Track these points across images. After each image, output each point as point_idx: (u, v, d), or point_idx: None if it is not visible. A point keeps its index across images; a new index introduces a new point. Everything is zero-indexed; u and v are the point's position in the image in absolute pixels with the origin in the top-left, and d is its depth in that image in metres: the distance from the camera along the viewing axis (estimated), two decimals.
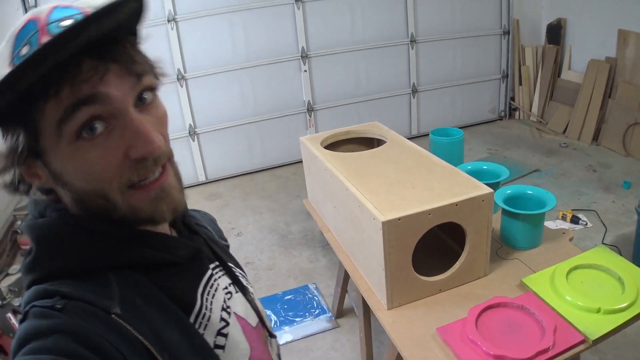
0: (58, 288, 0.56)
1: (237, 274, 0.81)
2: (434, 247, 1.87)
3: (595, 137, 4.85)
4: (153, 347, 0.56)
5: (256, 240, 3.63)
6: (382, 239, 1.49)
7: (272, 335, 0.85)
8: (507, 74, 5.49)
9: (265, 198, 4.29)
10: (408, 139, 2.10)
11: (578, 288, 1.61)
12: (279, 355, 0.88)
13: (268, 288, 3.09)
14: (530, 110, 5.51)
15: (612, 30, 4.66)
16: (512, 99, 5.66)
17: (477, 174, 2.14)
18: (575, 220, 3.53)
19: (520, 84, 5.49)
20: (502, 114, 5.67)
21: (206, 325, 0.67)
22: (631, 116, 4.43)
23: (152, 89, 0.62)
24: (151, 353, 0.56)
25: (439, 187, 1.63)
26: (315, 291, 2.98)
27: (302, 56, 4.55)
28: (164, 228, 0.70)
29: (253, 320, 0.78)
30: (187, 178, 4.65)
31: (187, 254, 0.69)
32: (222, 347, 0.68)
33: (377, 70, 4.89)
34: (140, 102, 0.60)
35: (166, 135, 0.64)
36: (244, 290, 0.80)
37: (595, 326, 1.45)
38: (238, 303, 0.77)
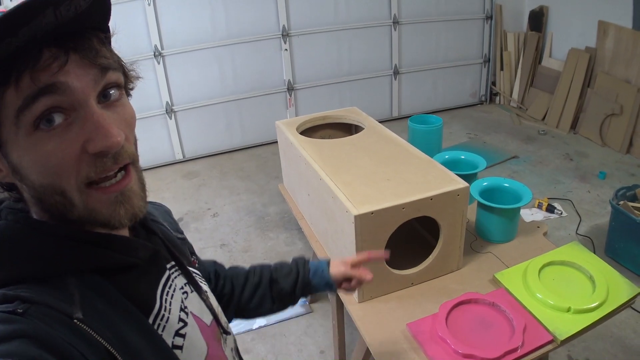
0: (18, 293, 0.54)
1: (192, 273, 0.81)
2: (409, 238, 1.86)
3: (574, 126, 4.88)
4: (117, 352, 0.55)
5: (232, 221, 3.59)
6: (354, 233, 1.46)
7: (227, 332, 0.84)
8: (489, 59, 5.47)
9: (243, 178, 4.25)
10: (388, 121, 2.08)
11: (549, 285, 1.61)
12: (235, 350, 0.88)
13: None
14: (511, 96, 5.52)
15: (593, 21, 4.66)
16: (494, 83, 5.66)
17: (454, 164, 2.14)
18: (550, 209, 3.55)
19: (502, 69, 5.48)
20: (483, 98, 5.67)
21: (164, 326, 0.66)
22: (608, 107, 4.45)
23: (119, 86, 0.60)
24: (115, 357, 0.55)
25: (414, 179, 1.61)
26: None
27: (282, 35, 4.47)
28: (123, 230, 0.68)
29: (207, 318, 0.78)
30: (163, 156, 4.58)
31: (146, 256, 0.69)
32: (180, 348, 0.68)
33: (359, 51, 4.83)
34: (105, 99, 0.58)
35: (131, 138, 0.62)
36: (198, 289, 0.80)
37: (564, 326, 1.45)
38: (194, 302, 0.77)
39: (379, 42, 4.88)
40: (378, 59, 4.96)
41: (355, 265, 1.16)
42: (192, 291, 0.78)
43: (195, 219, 3.74)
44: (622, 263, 2.93)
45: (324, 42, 4.66)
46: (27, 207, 0.63)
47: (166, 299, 0.69)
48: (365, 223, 1.46)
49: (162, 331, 0.66)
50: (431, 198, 1.52)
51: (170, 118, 4.48)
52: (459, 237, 1.64)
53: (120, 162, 0.59)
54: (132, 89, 0.68)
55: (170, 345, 0.66)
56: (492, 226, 1.85)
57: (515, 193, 1.90)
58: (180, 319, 0.70)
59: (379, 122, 2.11)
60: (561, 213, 3.54)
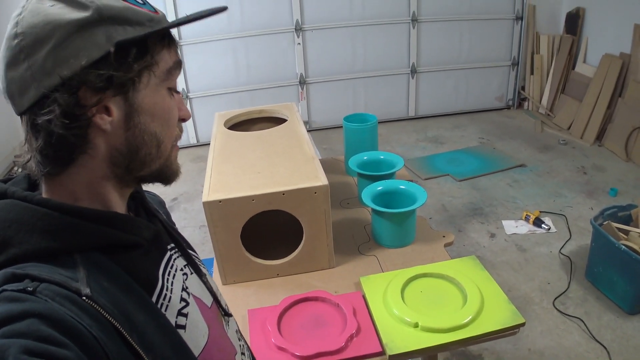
0: (26, 271, 0.55)
1: (192, 255, 0.84)
2: (297, 232, 1.89)
3: (599, 137, 4.62)
4: (123, 329, 0.56)
5: None
6: (206, 217, 1.53)
7: (228, 315, 0.87)
8: (518, 62, 5.27)
9: None
10: (404, 120, 2.09)
11: (411, 297, 1.54)
12: (238, 332, 0.91)
13: (210, 251, 3.13)
14: (540, 102, 5.29)
15: (629, 25, 4.37)
16: (523, 88, 5.44)
17: (373, 164, 2.14)
18: (538, 223, 3.39)
19: (532, 73, 5.27)
20: (510, 103, 5.47)
21: (167, 305, 0.68)
22: (637, 119, 4.18)
23: None
24: (122, 334, 0.56)
25: (281, 174, 1.64)
26: None
27: (296, 29, 4.53)
28: (123, 210, 0.72)
29: (207, 300, 0.81)
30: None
31: (149, 235, 0.71)
32: (183, 327, 0.69)
33: (375, 48, 4.81)
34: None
35: None
36: (198, 271, 0.82)
37: (402, 341, 1.38)
38: (194, 284, 0.79)
39: (396, 40, 4.84)
40: (394, 57, 4.92)
41: None
42: (191, 273, 0.80)
43: (187, 200, 3.90)
44: (600, 289, 2.77)
45: (338, 37, 4.68)
46: (45, 180, 0.65)
47: (168, 279, 0.71)
48: (214, 210, 1.52)
49: (165, 310, 0.67)
50: (283, 193, 1.55)
51: (187, 104, 4.66)
52: (324, 235, 1.66)
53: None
54: None
55: (173, 324, 0.67)
56: (382, 230, 1.84)
57: (411, 196, 1.88)
58: (182, 299, 0.72)
59: (394, 121, 2.12)
60: (549, 228, 3.37)
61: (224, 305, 0.86)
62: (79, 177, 0.64)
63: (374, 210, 1.83)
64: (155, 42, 0.64)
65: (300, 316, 1.51)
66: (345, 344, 1.38)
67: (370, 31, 4.72)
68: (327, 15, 4.57)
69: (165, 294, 0.69)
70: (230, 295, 1.62)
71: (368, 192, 1.87)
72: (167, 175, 0.71)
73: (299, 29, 4.53)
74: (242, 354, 0.86)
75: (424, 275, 1.64)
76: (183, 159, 4.59)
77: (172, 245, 0.80)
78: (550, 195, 3.80)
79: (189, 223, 3.54)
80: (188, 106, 4.67)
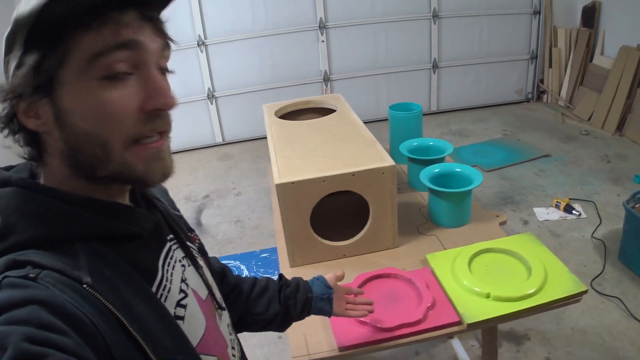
0: (28, 258, 0.55)
1: (189, 247, 0.83)
2: (360, 214, 1.94)
3: (620, 127, 4.66)
4: (124, 318, 0.56)
5: (252, 201, 3.78)
6: (278, 200, 1.59)
7: (222, 308, 0.86)
8: (537, 55, 5.33)
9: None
10: (426, 115, 2.14)
11: (478, 271, 1.61)
12: (230, 326, 0.90)
13: (248, 245, 3.25)
14: (559, 95, 5.34)
15: None
16: (541, 81, 5.49)
17: (423, 150, 2.19)
18: (568, 209, 3.45)
19: (551, 66, 5.32)
20: (530, 96, 5.52)
21: (167, 296, 0.68)
22: None
23: (166, 70, 0.67)
24: (122, 324, 0.56)
25: (347, 157, 1.70)
26: None
27: (319, 27, 4.60)
28: (126, 200, 0.71)
29: (203, 293, 0.80)
30: (204, 139, 4.85)
31: (149, 226, 0.70)
32: (182, 318, 0.69)
33: (397, 44, 4.87)
34: (161, 72, 0.64)
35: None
36: (195, 263, 0.81)
37: (476, 310, 1.44)
38: (191, 276, 0.78)
39: (418, 36, 4.90)
40: (416, 52, 4.98)
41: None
42: (189, 265, 0.79)
43: (219, 196, 3.97)
44: (635, 270, 2.81)
45: (361, 34, 4.75)
46: (39, 169, 0.65)
47: (167, 270, 0.71)
48: (286, 192, 1.57)
49: (165, 301, 0.67)
50: (353, 174, 1.60)
51: (212, 103, 4.74)
52: (389, 214, 1.71)
53: (167, 125, 0.65)
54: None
55: (172, 315, 0.67)
56: (440, 210, 1.90)
57: (467, 178, 1.93)
58: (181, 290, 0.72)
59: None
60: (580, 214, 3.43)
61: (218, 299, 0.85)
62: (58, 171, 0.64)
63: (432, 191, 1.89)
64: (63, 25, 0.56)
65: (374, 292, 1.56)
66: (424, 316, 1.44)
67: (392, 28, 4.78)
68: (350, 13, 4.64)
69: (165, 285, 0.68)
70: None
71: (426, 174, 1.93)
72: (131, 180, 0.64)
73: (322, 26, 4.60)
74: (232, 347, 0.86)
75: (487, 250, 1.70)
76: (209, 158, 4.66)
77: (171, 236, 0.79)
78: (577, 183, 3.85)
79: (224, 219, 3.61)
80: (213, 106, 4.73)
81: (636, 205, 2.80)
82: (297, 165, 1.66)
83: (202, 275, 0.81)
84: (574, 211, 3.44)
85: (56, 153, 0.62)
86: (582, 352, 2.33)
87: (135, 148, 0.61)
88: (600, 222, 3.33)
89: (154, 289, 0.66)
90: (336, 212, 1.83)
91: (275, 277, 1.19)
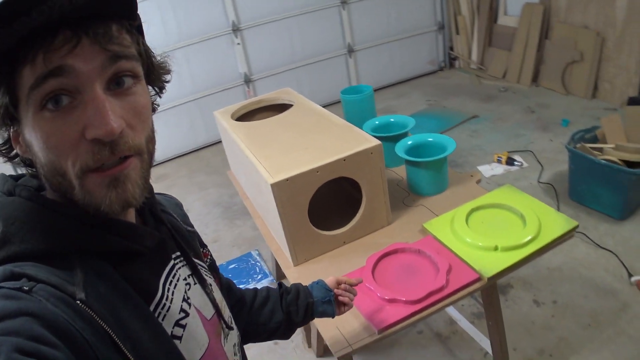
0: (24, 270, 0.55)
1: (198, 265, 0.81)
2: (342, 202, 1.94)
3: (535, 79, 4.95)
4: (116, 336, 0.56)
5: (202, 215, 3.67)
6: (274, 200, 1.54)
7: (230, 328, 0.84)
8: (443, 25, 5.54)
9: (210, 173, 4.33)
10: None
11: (477, 228, 1.67)
12: (239, 345, 0.89)
13: None
14: (470, 58, 5.58)
15: None
16: (451, 48, 5.72)
17: (385, 127, 2.22)
18: (510, 162, 3.63)
19: (458, 33, 5.55)
20: (442, 64, 5.74)
21: (165, 315, 0.67)
22: (568, 55, 4.51)
23: (135, 76, 0.61)
24: (114, 341, 0.56)
25: (330, 145, 1.69)
26: (257, 257, 3.05)
27: (233, 30, 4.53)
28: (131, 216, 0.70)
29: (208, 312, 0.78)
30: None
31: (152, 244, 0.69)
32: (179, 338, 0.68)
33: (311, 35, 4.89)
34: (118, 86, 0.59)
35: (139, 128, 0.61)
36: (202, 281, 0.80)
37: (491, 264, 1.51)
38: (196, 294, 0.77)
39: (330, 24, 4.95)
40: (331, 40, 5.03)
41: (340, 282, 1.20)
42: (195, 283, 0.78)
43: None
44: (587, 205, 3.00)
45: (275, 31, 4.72)
46: (43, 184, 0.65)
47: (169, 288, 0.70)
48: (282, 190, 1.53)
49: (163, 320, 0.66)
50: (344, 159, 1.59)
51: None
52: (382, 193, 1.72)
53: (118, 154, 0.58)
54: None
55: (169, 334, 0.66)
56: (420, 180, 1.93)
57: (440, 146, 1.98)
58: (182, 309, 0.70)
59: (339, 103, 2.14)
60: (522, 164, 3.62)
61: (226, 318, 0.84)
62: (50, 191, 0.64)
63: (410, 163, 1.92)
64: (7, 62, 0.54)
65: (390, 269, 1.57)
66: (447, 281, 1.46)
67: (303, 20, 4.79)
68: (261, 11, 4.59)
69: (165, 304, 0.68)
70: (307, 273, 1.65)
71: (401, 148, 1.96)
72: (92, 209, 0.60)
73: (236, 29, 4.53)
74: None
75: (478, 208, 1.77)
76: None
77: (178, 253, 0.77)
78: (510, 137, 4.05)
79: None
80: None
81: (577, 145, 2.98)
82: (284, 162, 1.63)
83: (208, 294, 0.80)
84: (515, 162, 3.62)
85: (42, 177, 0.62)
86: (563, 288, 2.47)
87: (91, 175, 0.58)
88: (543, 168, 3.54)
89: (152, 307, 0.65)
90: (324, 205, 1.81)
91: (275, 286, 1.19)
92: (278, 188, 1.53)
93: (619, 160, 2.80)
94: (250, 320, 1.08)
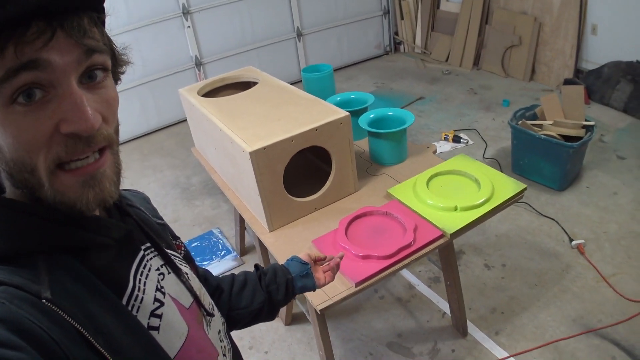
0: None
1: (171, 255, 0.79)
2: (310, 173, 2.04)
3: (476, 62, 5.20)
4: (87, 332, 0.54)
5: (159, 197, 3.68)
6: (252, 168, 1.63)
7: (210, 315, 0.83)
8: (388, 10, 5.70)
9: (164, 156, 4.32)
10: (299, 82, 2.21)
11: (438, 192, 1.83)
12: (224, 332, 0.88)
13: None
14: (415, 43, 5.77)
15: None
16: (396, 33, 5.90)
17: (346, 103, 2.33)
18: (456, 139, 3.83)
19: (402, 18, 5.72)
20: (388, 48, 5.91)
21: (139, 307, 0.66)
22: (508, 39, 4.77)
23: (105, 69, 0.60)
24: (85, 338, 0.54)
25: (301, 117, 1.78)
26: (219, 235, 3.11)
27: (183, 12, 4.51)
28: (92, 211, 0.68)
29: (186, 300, 0.77)
30: None
31: (119, 236, 0.68)
32: (157, 328, 0.67)
33: (261, 18, 4.93)
34: (90, 80, 0.58)
35: (110, 120, 0.61)
36: (177, 271, 0.78)
37: (452, 222, 1.67)
38: (171, 284, 0.75)
39: (279, 8, 5.01)
40: (280, 24, 5.09)
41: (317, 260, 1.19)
42: (169, 272, 0.76)
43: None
44: (529, 177, 3.22)
45: (225, 14, 4.73)
46: (1, 184, 0.63)
47: (140, 279, 0.68)
48: (260, 158, 1.62)
49: (137, 312, 0.65)
50: (316, 129, 1.69)
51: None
52: (349, 161, 1.83)
53: (94, 146, 0.58)
54: (122, 73, 0.68)
55: (145, 325, 0.65)
56: (382, 150, 2.06)
57: (400, 119, 2.11)
58: (156, 299, 0.69)
59: (290, 84, 2.23)
60: (467, 142, 3.82)
61: (207, 305, 0.83)
62: (11, 190, 0.62)
63: (373, 134, 2.04)
64: None
65: (361, 230, 1.69)
66: (414, 238, 1.60)
67: (253, 3, 4.82)
68: None
69: (137, 295, 0.66)
70: (283, 237, 1.75)
71: (364, 120, 2.08)
72: (65, 207, 0.59)
73: (186, 12, 4.51)
74: (224, 355, 0.84)
75: (436, 175, 1.92)
76: None
77: (148, 245, 0.76)
78: (455, 117, 4.25)
79: None
80: None
81: (519, 122, 3.19)
82: (259, 133, 1.71)
83: (185, 283, 0.78)
84: (461, 140, 3.82)
85: (3, 175, 0.60)
86: (511, 252, 2.67)
87: (62, 174, 0.57)
88: (487, 145, 3.76)
89: (124, 299, 0.64)
90: (293, 175, 1.91)
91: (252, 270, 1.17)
92: (256, 156, 1.61)
93: (558, 135, 3.03)
94: (231, 306, 1.06)
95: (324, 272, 1.17)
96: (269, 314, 1.10)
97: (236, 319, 1.06)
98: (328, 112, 1.78)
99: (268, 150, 1.63)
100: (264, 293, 1.08)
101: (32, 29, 0.51)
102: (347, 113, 1.75)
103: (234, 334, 0.94)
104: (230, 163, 1.90)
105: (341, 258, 1.23)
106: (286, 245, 1.70)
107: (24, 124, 0.53)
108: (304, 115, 1.79)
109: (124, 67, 0.68)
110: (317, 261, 1.18)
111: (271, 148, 1.63)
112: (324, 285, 1.16)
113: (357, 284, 1.48)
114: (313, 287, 1.13)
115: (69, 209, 0.58)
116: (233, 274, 1.12)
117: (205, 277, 1.06)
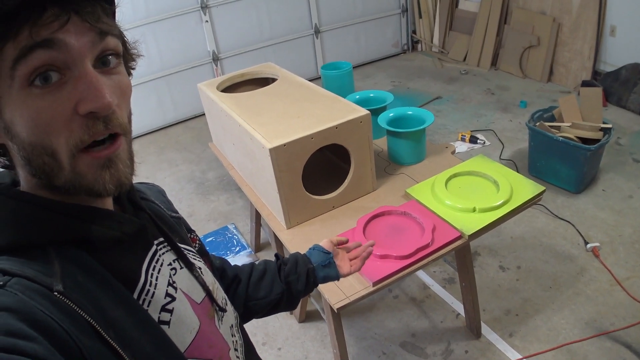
0: None
1: (183, 249, 0.80)
2: (328, 170, 2.04)
3: (494, 62, 5.16)
4: (98, 324, 0.55)
5: (175, 191, 3.70)
6: (272, 165, 1.63)
7: (222, 310, 0.82)
8: (407, 9, 5.67)
9: (180, 150, 4.34)
10: (316, 79, 2.21)
11: (456, 192, 1.82)
12: (237, 326, 0.88)
13: None
14: (432, 42, 5.74)
15: None
16: (414, 32, 5.87)
17: (365, 102, 2.32)
18: (473, 140, 3.81)
19: (420, 17, 5.70)
20: (405, 47, 5.88)
21: (150, 301, 0.66)
22: (526, 40, 4.72)
23: (118, 54, 0.61)
24: (96, 330, 0.55)
25: (321, 114, 1.78)
26: (234, 230, 3.12)
27: (202, 7, 4.52)
28: (108, 204, 0.69)
29: (198, 296, 0.77)
30: None
31: (132, 230, 0.68)
32: (167, 323, 0.67)
33: (279, 15, 4.93)
34: (103, 65, 0.59)
35: (124, 108, 0.62)
36: (189, 266, 0.78)
37: (470, 223, 1.66)
38: (183, 278, 0.75)
39: (297, 4, 5.00)
40: (297, 20, 5.08)
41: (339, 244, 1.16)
42: (181, 267, 0.77)
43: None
44: (546, 179, 3.19)
45: (242, 9, 4.74)
46: (16, 174, 0.63)
47: (152, 274, 0.69)
48: (280, 154, 1.62)
49: (148, 306, 0.65)
50: (336, 127, 1.69)
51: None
52: (368, 159, 1.83)
53: (111, 129, 0.58)
54: (133, 69, 0.69)
55: (156, 320, 0.65)
56: (401, 150, 2.05)
57: (419, 118, 2.10)
58: (168, 294, 0.69)
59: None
60: (484, 142, 3.80)
61: (220, 301, 0.82)
62: (26, 180, 0.63)
63: (392, 133, 2.03)
64: None
65: (379, 229, 1.69)
66: (432, 238, 1.59)
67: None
68: None
69: (149, 290, 0.67)
70: (300, 235, 1.75)
71: (383, 119, 2.07)
72: (83, 190, 0.60)
73: (204, 6, 4.52)
74: (235, 349, 0.83)
75: (455, 175, 1.91)
76: None
77: (161, 239, 0.76)
78: (472, 117, 4.23)
79: None
80: None
81: (536, 124, 3.17)
82: (279, 129, 1.71)
83: (197, 278, 0.79)
84: (478, 140, 3.80)
85: (19, 163, 0.61)
86: (526, 254, 2.65)
87: (84, 156, 0.58)
88: (503, 146, 3.73)
89: (135, 294, 0.65)
90: (311, 173, 1.91)
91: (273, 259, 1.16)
92: (276, 152, 1.61)
93: (575, 137, 3.00)
94: (249, 295, 1.06)
95: (350, 260, 1.15)
96: (288, 304, 1.09)
97: (254, 309, 1.06)
98: (348, 110, 1.78)
99: (288, 147, 1.63)
100: (283, 284, 1.07)
101: (48, 13, 0.52)
102: (368, 112, 1.75)
103: (248, 329, 0.94)
104: (249, 159, 1.91)
105: (372, 246, 1.19)
106: (303, 242, 1.70)
107: (42, 106, 0.54)
108: (324, 112, 1.79)
109: (135, 61, 0.69)
110: (340, 246, 1.16)
111: (291, 145, 1.63)
112: (348, 274, 1.12)
113: (374, 284, 1.47)
114: (336, 277, 1.11)
115: (87, 191, 0.59)
116: (252, 263, 1.12)
117: (223, 267, 1.06)
